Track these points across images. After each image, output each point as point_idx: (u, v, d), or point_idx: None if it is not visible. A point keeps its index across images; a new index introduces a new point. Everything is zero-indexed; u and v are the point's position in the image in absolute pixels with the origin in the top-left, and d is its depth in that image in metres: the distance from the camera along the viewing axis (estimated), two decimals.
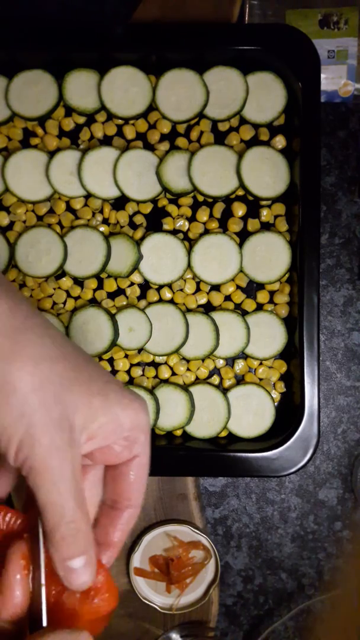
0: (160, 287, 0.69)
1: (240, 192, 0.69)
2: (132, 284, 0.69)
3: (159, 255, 0.68)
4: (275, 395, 0.69)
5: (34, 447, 0.34)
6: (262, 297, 0.69)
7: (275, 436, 0.66)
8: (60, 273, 0.68)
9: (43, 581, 0.36)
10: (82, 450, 0.36)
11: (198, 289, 0.69)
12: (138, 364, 0.69)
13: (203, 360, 0.69)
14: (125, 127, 0.69)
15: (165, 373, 0.69)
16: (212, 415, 0.67)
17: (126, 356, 0.69)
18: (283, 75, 0.67)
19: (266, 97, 0.68)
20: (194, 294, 0.69)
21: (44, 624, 0.36)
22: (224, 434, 0.68)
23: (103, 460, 0.39)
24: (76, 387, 0.36)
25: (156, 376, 0.69)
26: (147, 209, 0.69)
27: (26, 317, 0.36)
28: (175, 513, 0.71)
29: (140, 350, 0.69)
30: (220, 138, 0.69)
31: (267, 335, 0.68)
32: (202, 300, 0.69)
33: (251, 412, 0.68)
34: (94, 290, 0.69)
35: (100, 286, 0.69)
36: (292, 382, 0.68)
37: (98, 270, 0.67)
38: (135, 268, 0.68)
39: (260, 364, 0.69)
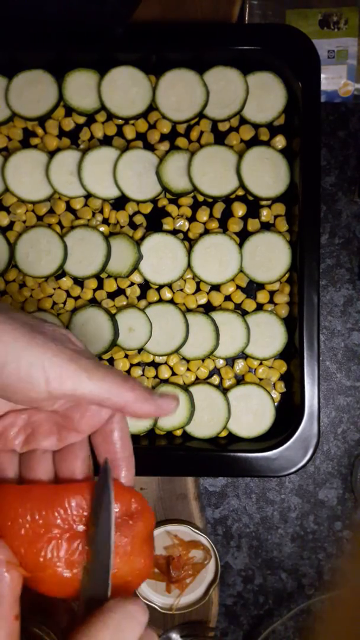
0: (160, 287, 0.69)
1: (240, 192, 0.69)
2: (132, 284, 0.69)
3: (159, 255, 0.68)
4: (275, 395, 0.69)
5: None
6: (262, 297, 0.69)
7: (275, 436, 0.66)
8: (60, 273, 0.68)
9: (112, 548, 0.37)
10: (57, 407, 0.40)
11: (198, 289, 0.69)
12: (138, 364, 0.69)
13: (203, 360, 0.69)
14: (125, 127, 0.69)
15: (165, 373, 0.69)
16: (212, 415, 0.67)
17: (126, 356, 0.69)
18: (283, 75, 0.67)
19: (266, 97, 0.68)
20: (194, 294, 0.69)
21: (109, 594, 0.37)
22: (224, 434, 0.68)
23: (89, 427, 0.41)
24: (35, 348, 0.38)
25: (156, 376, 0.69)
26: (147, 209, 0.69)
27: None
28: (175, 513, 0.71)
29: (140, 350, 0.69)
30: (220, 138, 0.69)
31: (267, 335, 0.68)
32: (202, 300, 0.69)
33: (251, 412, 0.68)
34: (94, 290, 0.69)
35: (100, 286, 0.69)
36: (292, 382, 0.68)
37: (98, 270, 0.67)
38: (135, 268, 0.68)
39: (260, 364, 0.69)
